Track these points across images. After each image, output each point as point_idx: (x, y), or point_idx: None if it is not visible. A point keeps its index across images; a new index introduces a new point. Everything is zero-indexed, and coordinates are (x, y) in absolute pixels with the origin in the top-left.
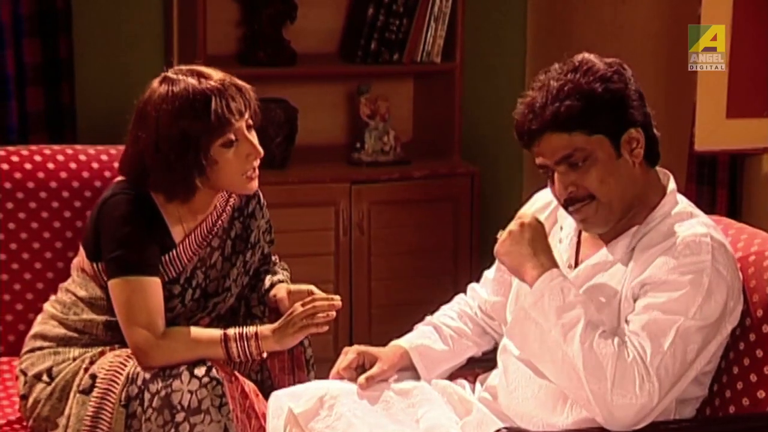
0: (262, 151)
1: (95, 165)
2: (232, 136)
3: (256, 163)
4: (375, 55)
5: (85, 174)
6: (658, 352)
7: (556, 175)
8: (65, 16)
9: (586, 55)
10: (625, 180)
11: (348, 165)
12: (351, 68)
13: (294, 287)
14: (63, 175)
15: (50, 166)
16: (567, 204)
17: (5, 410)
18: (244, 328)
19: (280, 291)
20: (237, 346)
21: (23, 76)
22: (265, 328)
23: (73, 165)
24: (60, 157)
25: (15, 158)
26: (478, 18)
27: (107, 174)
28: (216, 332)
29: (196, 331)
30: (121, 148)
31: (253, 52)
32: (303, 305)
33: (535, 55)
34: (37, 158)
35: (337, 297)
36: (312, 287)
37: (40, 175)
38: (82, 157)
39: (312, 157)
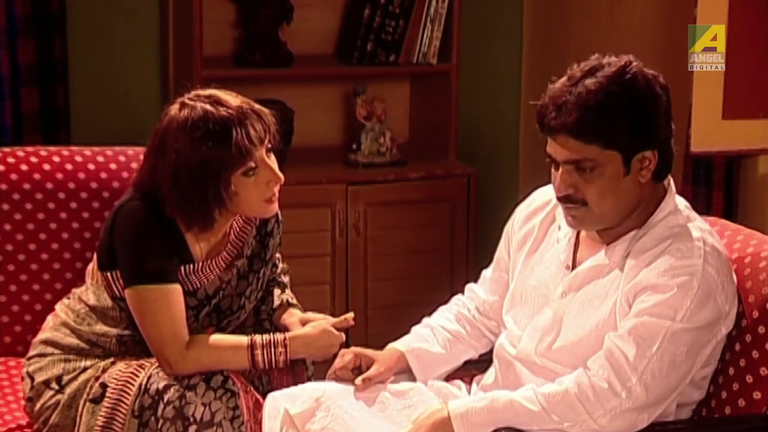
0: (282, 177)
1: (91, 166)
2: (253, 164)
3: (276, 188)
4: (371, 56)
5: (81, 175)
6: (644, 356)
7: (560, 170)
8: (60, 16)
9: (633, 61)
10: (625, 196)
11: (344, 166)
12: (347, 69)
13: (308, 316)
14: (59, 176)
15: (46, 167)
16: (561, 200)
17: (0, 409)
18: (272, 335)
19: (291, 317)
20: (263, 353)
21: (17, 77)
22: (295, 336)
23: (69, 166)
24: (56, 159)
25: (11, 159)
26: (474, 19)
27: (103, 175)
28: (242, 339)
29: (220, 338)
30: (118, 149)
31: (250, 53)
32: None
33: (531, 55)
34: (33, 159)
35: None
36: (327, 318)
37: (36, 176)
38: (78, 159)
39: (308, 159)
